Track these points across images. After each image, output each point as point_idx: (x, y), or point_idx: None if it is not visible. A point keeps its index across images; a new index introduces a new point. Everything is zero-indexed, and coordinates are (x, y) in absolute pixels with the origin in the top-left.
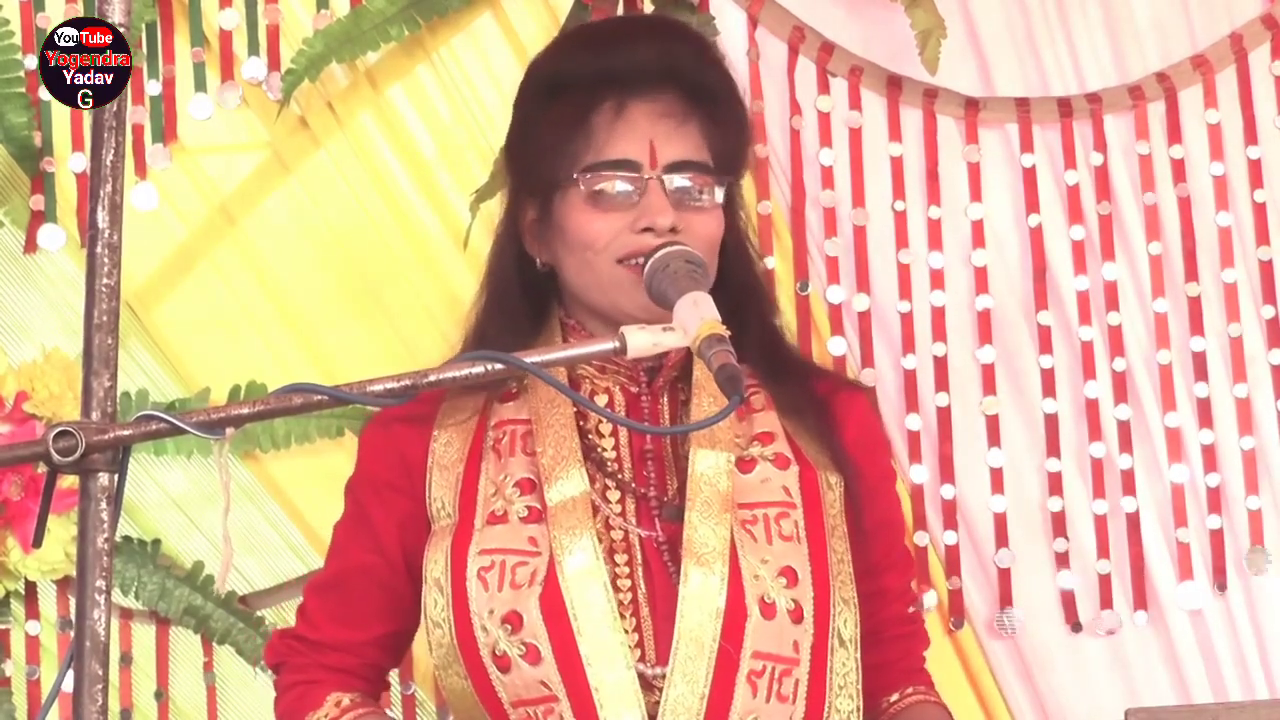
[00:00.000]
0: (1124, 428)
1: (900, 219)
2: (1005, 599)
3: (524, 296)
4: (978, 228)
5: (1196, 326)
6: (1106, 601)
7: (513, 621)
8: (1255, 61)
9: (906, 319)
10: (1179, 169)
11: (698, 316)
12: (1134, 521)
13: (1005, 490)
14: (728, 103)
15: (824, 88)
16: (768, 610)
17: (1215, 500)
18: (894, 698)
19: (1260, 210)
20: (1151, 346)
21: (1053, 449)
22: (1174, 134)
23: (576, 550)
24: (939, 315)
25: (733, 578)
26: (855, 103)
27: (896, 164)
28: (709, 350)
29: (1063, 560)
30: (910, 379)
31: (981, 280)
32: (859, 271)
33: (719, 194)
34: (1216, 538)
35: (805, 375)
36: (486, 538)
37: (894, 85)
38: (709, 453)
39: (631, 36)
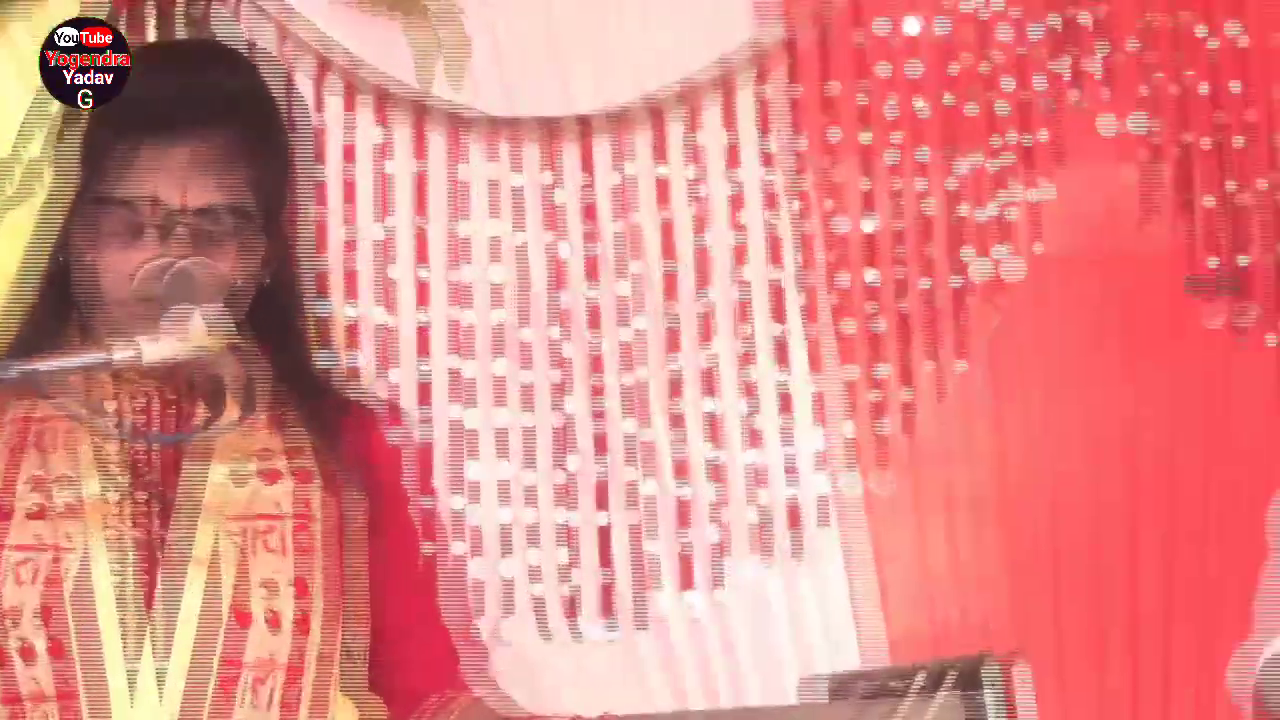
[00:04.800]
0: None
1: (420, 236)
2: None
3: (48, 293)
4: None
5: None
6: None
7: (14, 618)
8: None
9: (422, 333)
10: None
11: (204, 328)
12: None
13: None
14: (269, 137)
15: (350, 106)
16: (260, 620)
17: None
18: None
19: None
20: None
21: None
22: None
23: (84, 550)
24: (455, 329)
25: (227, 587)
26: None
27: (420, 181)
28: (216, 360)
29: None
30: (425, 392)
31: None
32: (381, 287)
33: (246, 228)
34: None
35: (317, 391)
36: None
37: (419, 106)
38: (203, 463)
39: (178, 64)
